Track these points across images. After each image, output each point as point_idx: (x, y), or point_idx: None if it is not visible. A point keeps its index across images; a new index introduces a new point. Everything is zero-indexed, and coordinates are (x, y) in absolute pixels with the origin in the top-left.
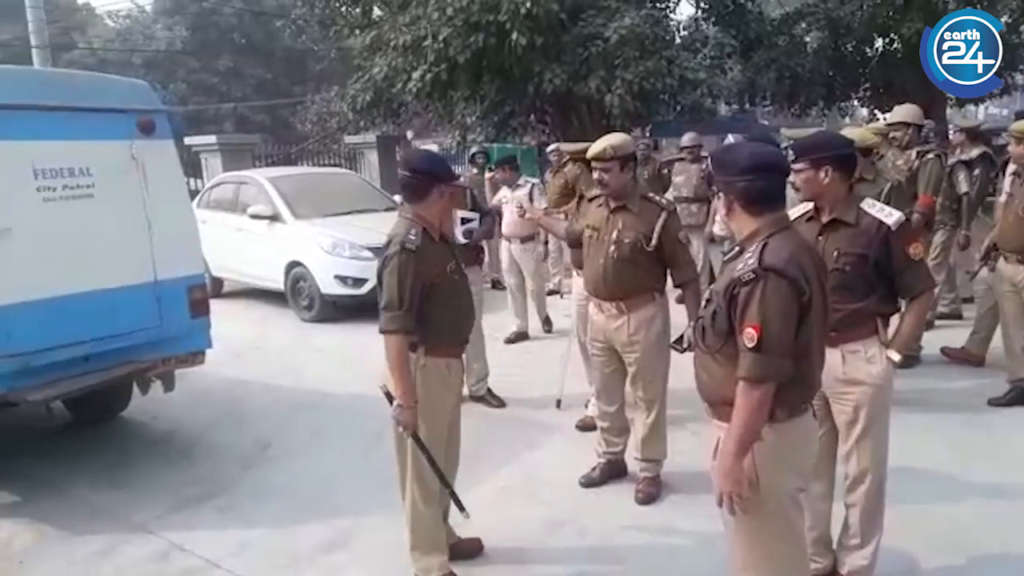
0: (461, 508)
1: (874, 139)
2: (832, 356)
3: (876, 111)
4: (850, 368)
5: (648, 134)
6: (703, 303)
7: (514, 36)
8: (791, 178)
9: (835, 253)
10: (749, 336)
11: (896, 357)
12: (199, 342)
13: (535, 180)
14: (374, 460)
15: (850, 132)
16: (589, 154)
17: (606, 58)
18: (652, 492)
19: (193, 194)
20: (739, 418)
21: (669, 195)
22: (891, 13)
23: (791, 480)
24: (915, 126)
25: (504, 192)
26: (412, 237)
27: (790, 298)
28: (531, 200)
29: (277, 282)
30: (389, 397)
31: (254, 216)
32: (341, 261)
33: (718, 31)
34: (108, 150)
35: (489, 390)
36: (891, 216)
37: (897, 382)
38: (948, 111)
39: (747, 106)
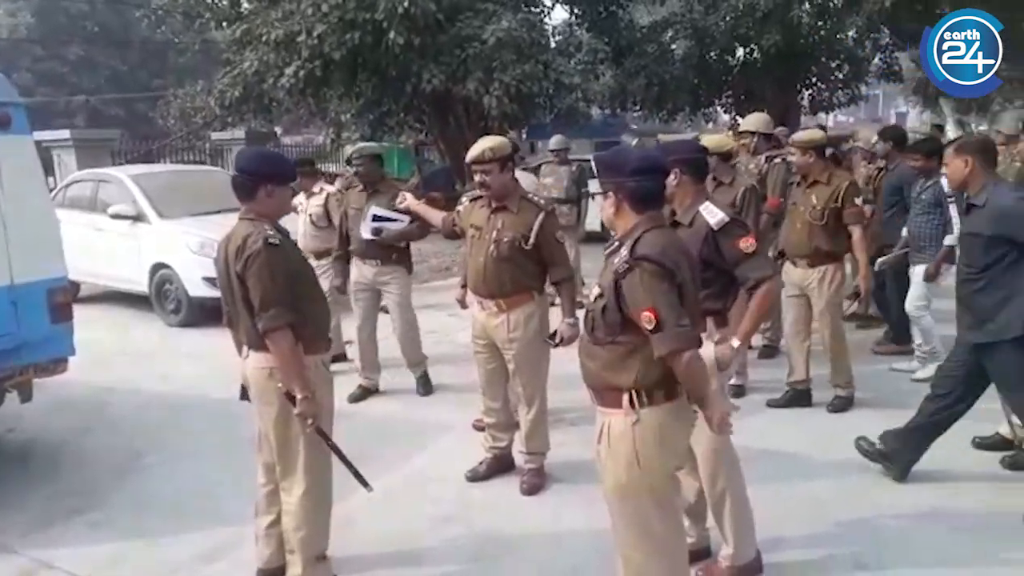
0: (365, 484)
1: (731, 144)
2: None
3: (738, 117)
4: None
5: (525, 136)
6: (592, 297)
7: (391, 35)
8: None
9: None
10: (647, 319)
11: (736, 343)
12: (61, 349)
13: (333, 189)
14: (254, 466)
15: (708, 138)
16: (468, 157)
17: (483, 60)
18: (537, 483)
19: None
20: (691, 383)
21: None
22: (751, 25)
23: (670, 460)
24: (762, 134)
25: (300, 199)
26: (271, 232)
27: (665, 281)
28: (326, 213)
29: (141, 285)
30: (288, 395)
31: (115, 216)
32: (210, 262)
33: (591, 37)
34: None
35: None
36: (715, 216)
37: (760, 372)
38: (803, 118)
39: (619, 111)
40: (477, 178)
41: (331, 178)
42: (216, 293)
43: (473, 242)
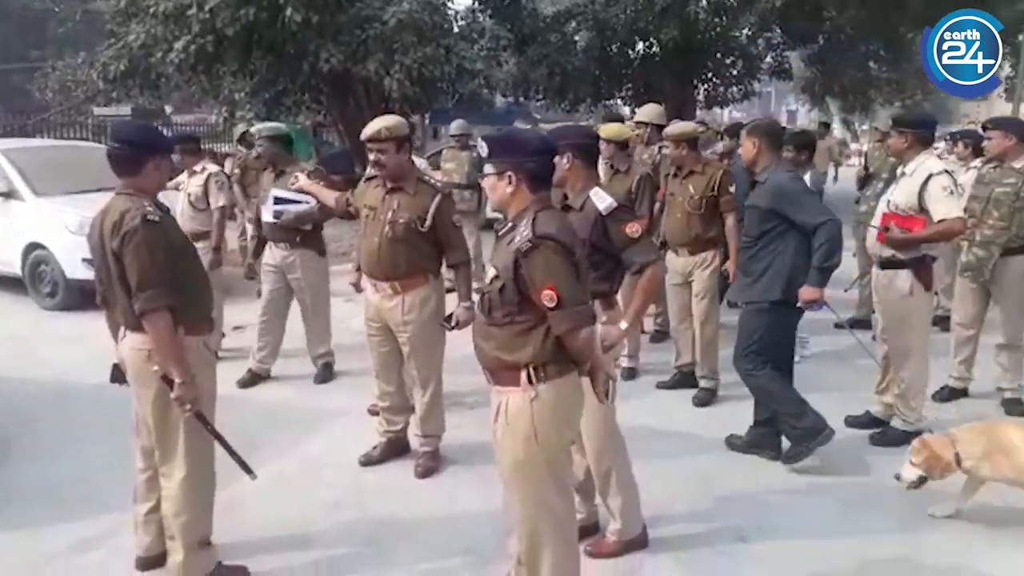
0: (249, 471)
1: (629, 133)
2: None
3: (637, 109)
4: None
5: (428, 121)
6: (486, 279)
7: (288, 12)
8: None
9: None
10: (548, 297)
11: (624, 325)
12: None
13: (215, 169)
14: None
15: (606, 127)
16: (364, 135)
17: (384, 41)
18: (431, 466)
19: None
20: (585, 358)
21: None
22: (651, 19)
23: (565, 433)
24: (655, 125)
25: (182, 178)
26: (149, 209)
27: (566, 259)
28: (205, 194)
29: (12, 266)
30: (166, 379)
31: None
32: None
33: (494, 23)
34: None
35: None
36: (603, 202)
37: (651, 355)
38: (698, 112)
39: (522, 99)
40: (372, 156)
41: (222, 158)
42: (92, 275)
43: (367, 223)
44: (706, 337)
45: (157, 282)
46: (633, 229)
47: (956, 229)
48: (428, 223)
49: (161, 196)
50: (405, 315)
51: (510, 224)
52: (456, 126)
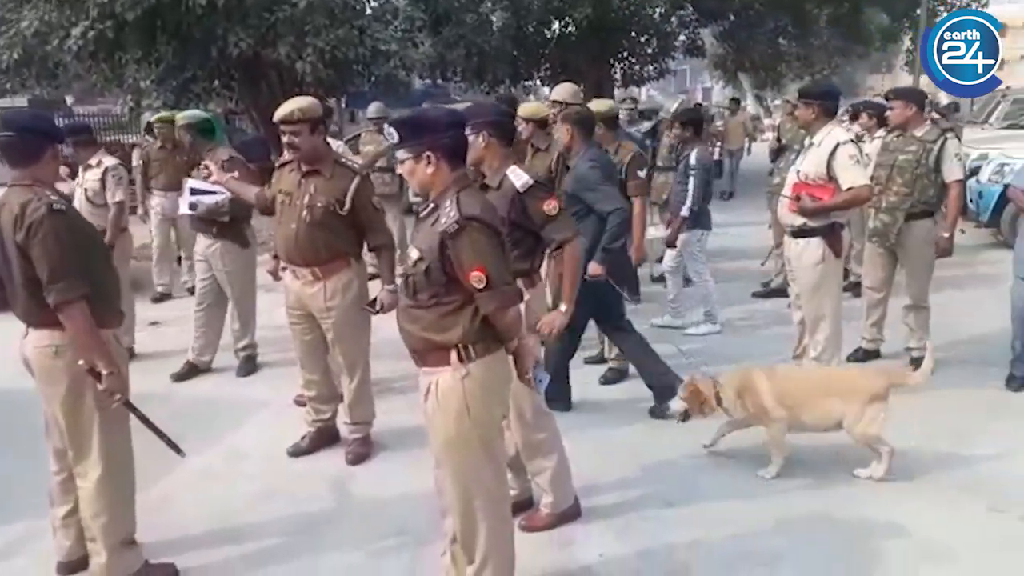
0: (178, 450)
1: (547, 112)
2: None
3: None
4: None
5: (344, 104)
6: (409, 262)
7: None
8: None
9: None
10: (477, 279)
11: (564, 307)
12: None
13: (112, 162)
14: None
15: (525, 107)
16: (276, 117)
17: (295, 23)
18: (362, 452)
19: None
20: (511, 336)
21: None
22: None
23: (497, 409)
24: (570, 104)
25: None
26: (54, 198)
27: (493, 239)
28: (103, 188)
29: None
30: (92, 371)
31: None
32: None
33: (408, 4)
34: None
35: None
36: (520, 179)
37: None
38: (616, 91)
39: (440, 80)
40: (285, 139)
41: (129, 149)
42: None
43: (283, 208)
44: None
45: (69, 272)
46: (551, 206)
47: (863, 196)
48: (347, 206)
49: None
50: (328, 301)
51: (432, 205)
52: (373, 109)
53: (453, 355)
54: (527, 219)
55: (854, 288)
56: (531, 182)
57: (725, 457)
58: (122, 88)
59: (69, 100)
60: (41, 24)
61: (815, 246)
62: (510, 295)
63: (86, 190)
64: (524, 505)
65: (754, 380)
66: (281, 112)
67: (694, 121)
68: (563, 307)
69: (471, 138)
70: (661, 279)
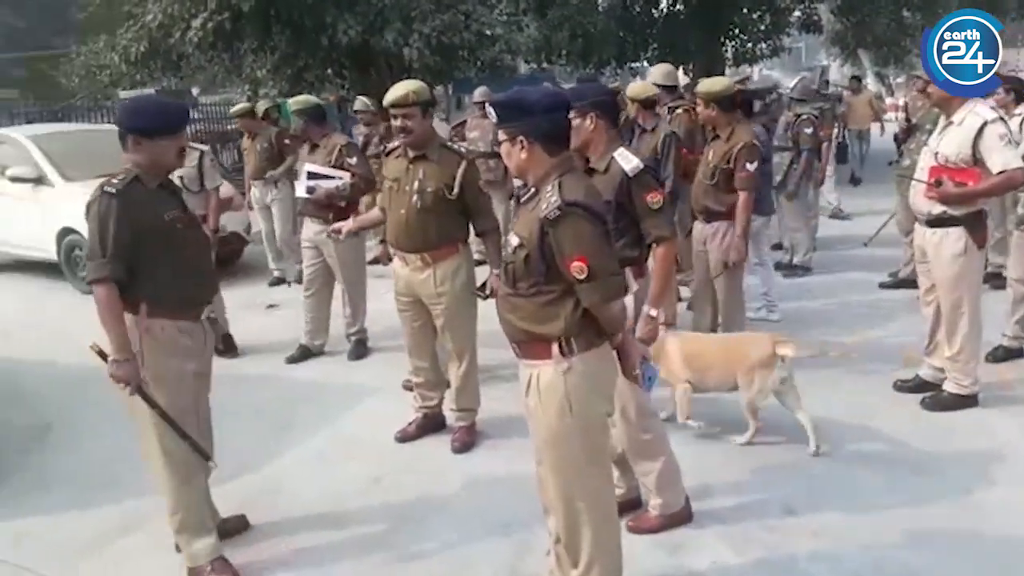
0: (208, 457)
1: (654, 91)
2: None
3: None
4: None
5: (451, 91)
6: (508, 248)
7: None
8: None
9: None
10: (578, 269)
11: (654, 313)
12: None
13: (204, 147)
14: None
15: (632, 86)
16: (388, 100)
17: (402, 10)
18: (467, 440)
19: None
20: (616, 330)
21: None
22: None
23: (601, 405)
24: (664, 86)
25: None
26: (115, 181)
27: (597, 227)
28: (199, 174)
29: (48, 252)
30: (102, 355)
31: (14, 179)
32: None
33: None
34: None
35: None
36: (630, 163)
37: (687, 322)
38: (727, 71)
39: (546, 64)
40: (398, 123)
41: (251, 137)
42: None
43: (392, 195)
44: (726, 316)
45: (103, 253)
46: (655, 199)
47: (1018, 180)
48: (456, 190)
49: None
50: (438, 287)
51: (532, 190)
52: (479, 93)
53: (554, 348)
54: (634, 205)
55: (992, 279)
56: (641, 166)
57: (849, 463)
58: (240, 78)
59: (195, 90)
60: (165, 17)
61: (956, 237)
62: (614, 287)
63: (181, 177)
64: (632, 505)
65: (667, 344)
66: (394, 95)
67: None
68: (651, 311)
69: (577, 121)
70: (777, 267)
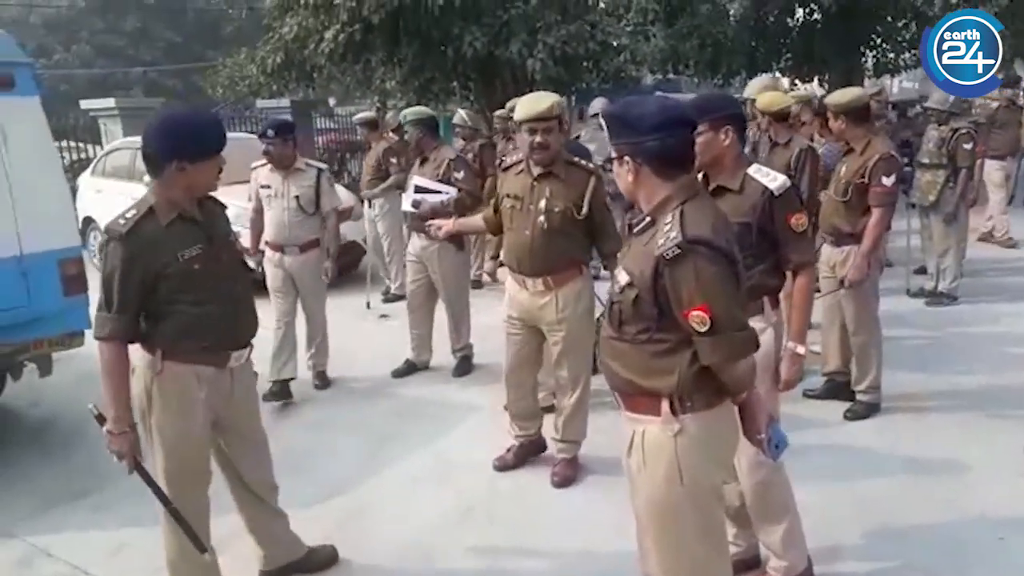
0: (203, 549)
1: (789, 102)
2: None
3: (797, 81)
4: None
5: (573, 102)
6: (616, 286)
7: None
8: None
9: None
10: (699, 320)
11: (801, 350)
12: (76, 322)
13: (322, 165)
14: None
15: (763, 96)
16: (527, 114)
17: (527, 21)
18: (569, 475)
19: (90, 161)
20: (741, 389)
21: None
22: None
23: (715, 474)
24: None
25: (268, 178)
26: (121, 222)
27: (725, 269)
28: (316, 195)
29: None
30: (100, 419)
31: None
32: (244, 232)
33: None
34: None
35: (322, 373)
36: (775, 180)
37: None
38: (866, 82)
39: (671, 74)
40: (536, 138)
41: (368, 147)
42: (248, 262)
43: (513, 214)
44: (857, 344)
45: (108, 307)
46: (799, 221)
47: None
48: (585, 209)
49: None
50: (559, 313)
51: (647, 219)
52: (597, 104)
53: (664, 405)
54: (774, 227)
55: None
56: (787, 184)
57: (1008, 528)
58: (370, 89)
59: (332, 101)
60: (300, 29)
61: None
62: (740, 344)
63: (297, 197)
64: (749, 564)
65: None
66: (535, 108)
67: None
68: (797, 347)
69: (709, 135)
70: (920, 294)
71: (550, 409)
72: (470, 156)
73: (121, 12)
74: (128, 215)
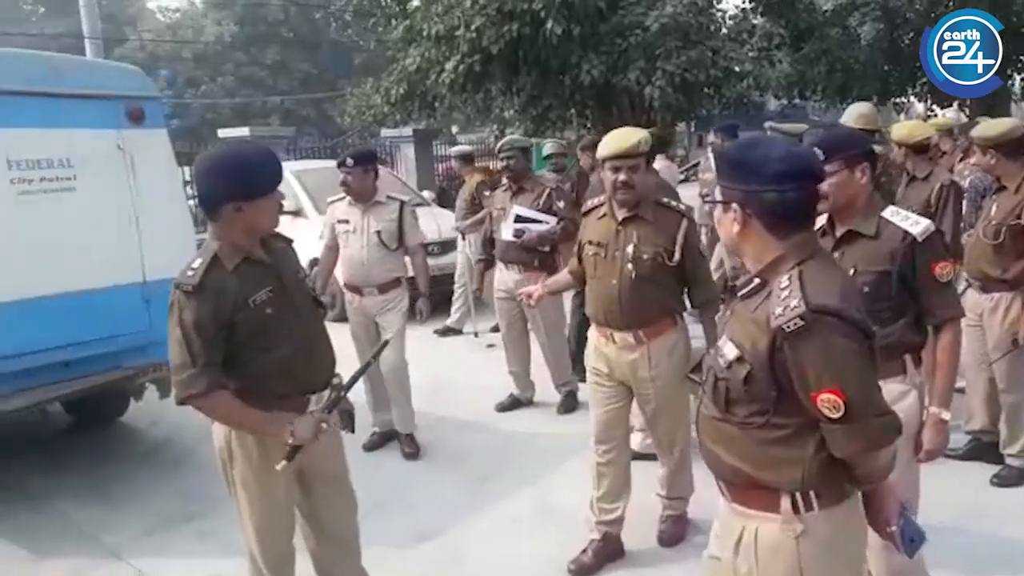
0: None
1: (929, 133)
2: None
3: (934, 107)
4: None
5: (692, 128)
6: (722, 359)
7: (549, 25)
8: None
9: (852, 271)
10: (830, 404)
11: (946, 416)
12: None
13: (406, 197)
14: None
15: (899, 127)
16: (612, 150)
17: (646, 48)
18: (677, 533)
19: None
20: (875, 480)
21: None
22: (950, 4)
23: None
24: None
25: (345, 213)
26: (189, 273)
27: (859, 344)
28: (399, 229)
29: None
30: (294, 450)
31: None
32: None
33: (766, 21)
34: (91, 139)
35: (410, 438)
36: (917, 225)
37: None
38: (1012, 108)
39: (797, 100)
40: (620, 176)
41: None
42: None
43: (596, 262)
44: (1009, 404)
45: (193, 362)
46: (945, 270)
47: None
48: (677, 256)
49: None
50: (652, 369)
51: (757, 281)
52: (716, 134)
53: (785, 502)
54: (915, 276)
55: None
56: (932, 228)
57: None
58: (489, 118)
59: (455, 129)
60: (422, 61)
61: None
62: (879, 432)
63: (378, 232)
64: None
65: None
66: (620, 144)
67: None
68: (941, 412)
69: (843, 175)
70: None
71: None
72: (568, 186)
73: (263, 45)
74: (195, 266)
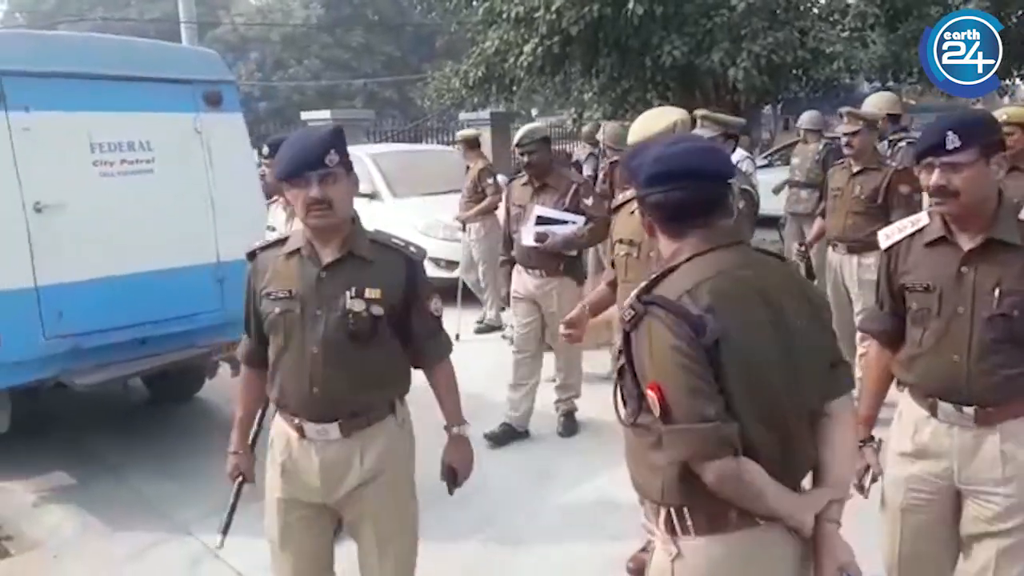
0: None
1: None
2: (985, 438)
3: None
4: (1012, 455)
5: (779, 111)
6: (616, 361)
7: (631, 4)
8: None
9: (996, 292)
10: (651, 401)
11: None
12: None
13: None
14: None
15: (1003, 111)
16: (643, 134)
17: (731, 29)
18: None
19: None
20: (739, 501)
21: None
22: None
23: None
24: (889, 115)
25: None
26: (259, 242)
27: (683, 340)
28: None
29: None
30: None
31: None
32: (434, 242)
33: (861, 0)
34: (170, 123)
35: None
36: None
37: None
38: None
39: (891, 83)
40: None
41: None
42: (439, 273)
43: (629, 263)
44: None
45: (247, 328)
46: None
47: None
48: None
49: None
50: None
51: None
52: (807, 119)
53: (662, 515)
54: None
55: None
56: None
57: None
58: (568, 100)
59: (534, 112)
60: (500, 43)
61: None
62: (702, 440)
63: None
64: None
65: None
66: (652, 127)
67: None
68: None
69: (979, 167)
70: None
71: None
72: (601, 175)
73: (348, 28)
74: (271, 237)
